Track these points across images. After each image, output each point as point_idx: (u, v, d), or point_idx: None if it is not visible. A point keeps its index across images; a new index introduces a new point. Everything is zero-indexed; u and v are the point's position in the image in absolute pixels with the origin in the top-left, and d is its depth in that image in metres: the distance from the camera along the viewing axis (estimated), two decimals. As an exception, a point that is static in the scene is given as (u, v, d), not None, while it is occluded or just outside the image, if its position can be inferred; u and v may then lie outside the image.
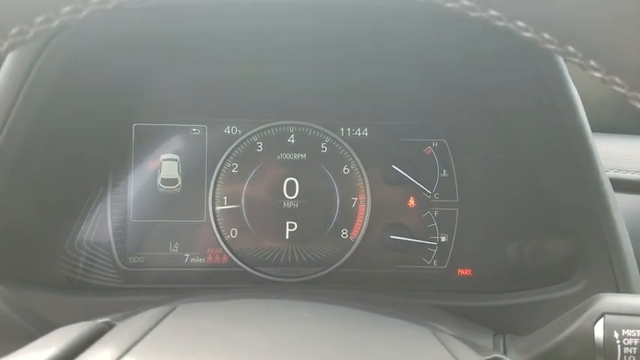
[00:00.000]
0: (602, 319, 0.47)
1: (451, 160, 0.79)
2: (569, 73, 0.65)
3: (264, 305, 0.40)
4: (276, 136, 0.80)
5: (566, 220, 0.67)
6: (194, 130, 0.81)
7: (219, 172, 0.79)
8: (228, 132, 0.81)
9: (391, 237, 0.78)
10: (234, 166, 0.80)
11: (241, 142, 0.80)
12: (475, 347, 0.40)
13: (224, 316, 0.37)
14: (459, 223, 0.78)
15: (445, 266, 0.78)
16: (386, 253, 0.78)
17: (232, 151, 0.80)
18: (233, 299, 0.43)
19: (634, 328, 0.46)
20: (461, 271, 0.77)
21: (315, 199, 0.79)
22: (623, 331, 0.46)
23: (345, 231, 0.79)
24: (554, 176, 0.67)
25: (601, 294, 0.50)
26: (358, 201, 0.79)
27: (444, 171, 0.79)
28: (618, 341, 0.46)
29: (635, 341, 0.45)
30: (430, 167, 0.79)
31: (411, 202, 0.79)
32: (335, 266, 0.78)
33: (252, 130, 0.80)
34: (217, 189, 0.79)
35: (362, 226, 0.78)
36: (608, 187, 0.64)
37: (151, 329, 0.34)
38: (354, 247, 0.78)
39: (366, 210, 0.79)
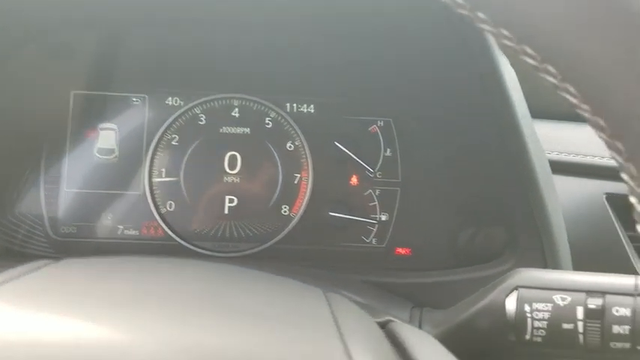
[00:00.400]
0: (515, 292, 0.47)
1: (395, 140, 0.78)
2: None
3: (149, 263, 0.38)
4: (219, 108, 0.79)
5: (500, 202, 0.67)
6: (134, 99, 0.79)
7: (158, 143, 0.77)
8: (170, 103, 0.79)
9: (330, 214, 0.77)
10: (174, 137, 0.78)
11: (183, 113, 0.78)
12: (370, 310, 0.40)
13: (100, 270, 0.36)
14: (400, 202, 0.78)
15: (384, 245, 0.77)
16: (325, 231, 0.77)
17: (173, 122, 0.78)
18: (123, 257, 0.41)
19: (545, 302, 0.45)
20: (399, 250, 0.77)
21: (257, 174, 0.78)
22: (534, 304, 0.46)
23: (285, 207, 0.78)
24: (489, 160, 0.67)
25: (519, 269, 0.50)
26: (301, 178, 0.78)
27: (388, 150, 0.78)
28: (529, 314, 0.46)
29: (546, 315, 0.45)
30: (374, 146, 0.78)
31: (354, 180, 0.78)
32: (273, 242, 0.77)
33: (194, 101, 0.78)
34: (155, 160, 0.77)
35: (303, 203, 0.77)
36: (541, 171, 0.64)
37: (16, 278, 0.33)
38: (293, 224, 0.77)
39: (307, 187, 0.78)
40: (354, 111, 0.79)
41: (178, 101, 0.79)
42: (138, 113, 0.78)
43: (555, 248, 0.61)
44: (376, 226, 0.78)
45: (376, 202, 0.78)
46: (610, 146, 0.30)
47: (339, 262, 0.76)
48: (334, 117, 0.79)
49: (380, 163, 0.78)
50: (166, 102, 0.79)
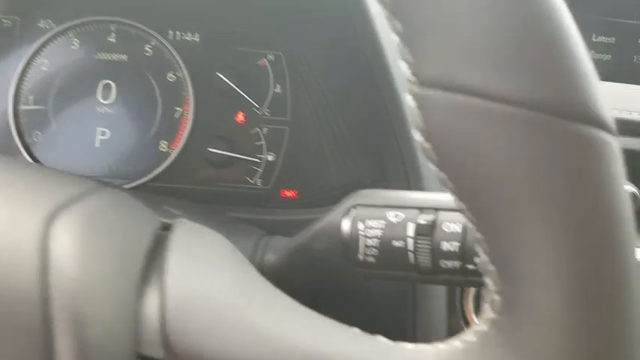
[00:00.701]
0: (352, 211, 0.44)
1: (286, 76, 0.74)
2: None
3: None
4: (94, 33, 0.73)
5: (377, 139, 0.64)
6: (4, 21, 0.72)
7: (26, 68, 0.71)
8: (42, 25, 0.72)
9: (211, 150, 0.72)
10: (44, 62, 0.72)
11: (54, 36, 0.72)
12: (167, 214, 0.35)
13: None
14: (288, 142, 0.73)
15: (270, 186, 0.73)
16: (206, 169, 0.73)
17: (42, 46, 0.72)
18: None
19: (378, 219, 0.42)
20: (285, 192, 0.73)
21: (134, 106, 0.72)
22: (368, 221, 0.43)
23: (164, 143, 0.73)
24: (366, 98, 0.65)
25: (362, 190, 0.46)
26: (182, 112, 0.73)
27: (278, 87, 0.74)
28: (362, 233, 0.43)
29: (378, 233, 0.42)
30: (263, 81, 0.74)
31: (240, 117, 0.74)
32: (147, 178, 0.72)
33: (67, 24, 0.72)
34: (22, 87, 0.71)
35: (182, 139, 0.72)
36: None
37: None
38: (169, 160, 0.72)
39: (188, 122, 0.73)
40: (242, 42, 0.74)
41: (51, 24, 0.72)
42: (8, 36, 0.72)
43: (421, 182, 0.58)
44: (262, 166, 0.73)
45: (263, 142, 0.74)
46: None
47: (219, 203, 0.72)
48: (221, 48, 0.74)
49: (269, 99, 0.74)
50: (38, 24, 0.72)
